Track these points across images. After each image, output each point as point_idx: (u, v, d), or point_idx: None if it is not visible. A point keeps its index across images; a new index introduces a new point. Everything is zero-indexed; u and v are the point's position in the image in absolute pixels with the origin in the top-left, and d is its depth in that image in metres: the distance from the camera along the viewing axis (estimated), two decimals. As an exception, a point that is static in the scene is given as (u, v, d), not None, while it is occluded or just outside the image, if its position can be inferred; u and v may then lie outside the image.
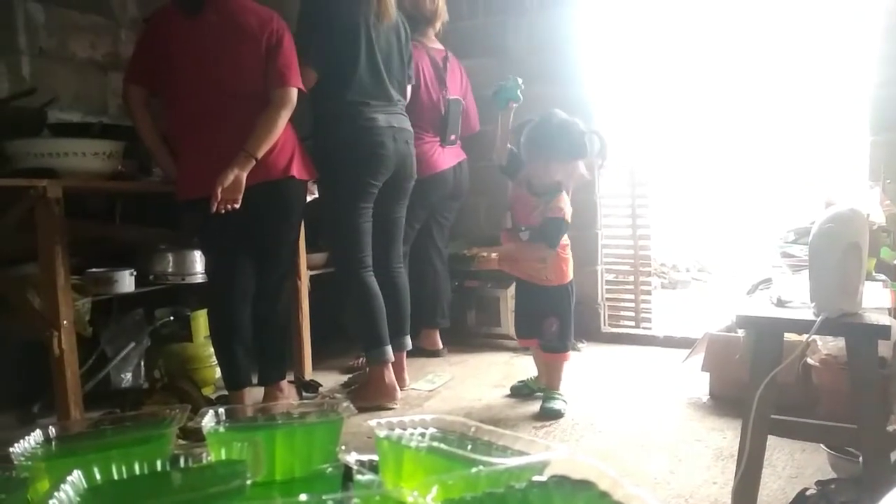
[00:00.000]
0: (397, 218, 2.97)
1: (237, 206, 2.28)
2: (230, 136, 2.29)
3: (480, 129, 3.71)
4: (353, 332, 2.83)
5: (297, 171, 2.44)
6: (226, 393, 2.64)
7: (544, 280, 2.62)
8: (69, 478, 0.63)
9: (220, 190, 2.22)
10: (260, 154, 2.30)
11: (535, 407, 2.68)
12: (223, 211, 2.26)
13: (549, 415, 2.56)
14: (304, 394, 2.86)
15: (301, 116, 2.53)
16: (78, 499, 0.63)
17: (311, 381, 2.98)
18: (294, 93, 2.39)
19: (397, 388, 2.79)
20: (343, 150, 2.68)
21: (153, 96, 2.40)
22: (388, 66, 2.77)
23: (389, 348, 2.77)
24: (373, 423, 0.77)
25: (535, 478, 0.61)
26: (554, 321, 2.60)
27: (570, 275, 2.66)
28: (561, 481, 0.60)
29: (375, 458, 0.77)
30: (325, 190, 2.76)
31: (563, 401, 2.62)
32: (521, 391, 2.82)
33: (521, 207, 2.62)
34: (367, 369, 2.83)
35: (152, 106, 2.40)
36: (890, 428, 1.61)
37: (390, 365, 2.78)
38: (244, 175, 2.27)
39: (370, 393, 2.74)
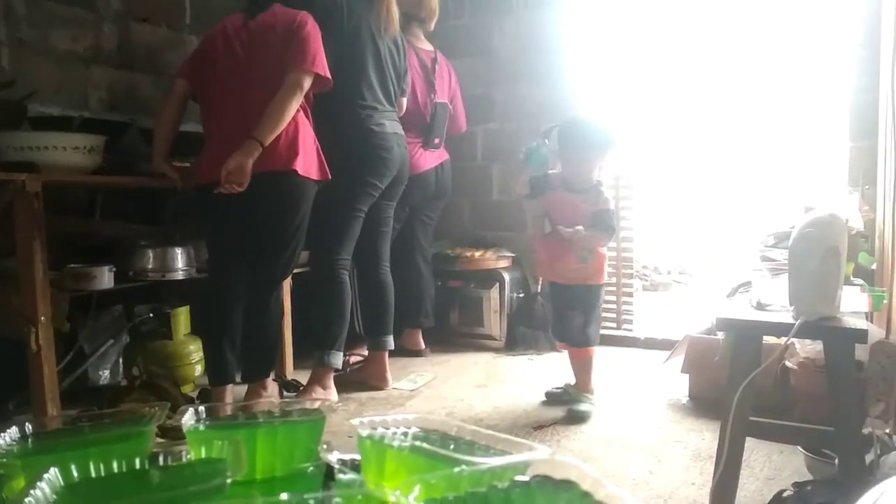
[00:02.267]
0: (386, 218, 3.00)
1: (241, 189, 2.26)
2: (242, 127, 2.30)
3: (466, 129, 3.71)
4: (317, 327, 2.80)
5: (301, 166, 2.38)
6: (206, 388, 2.63)
7: (584, 279, 2.59)
8: (46, 475, 0.62)
9: (224, 173, 2.23)
10: (266, 140, 2.27)
11: (517, 408, 2.68)
12: (224, 192, 2.26)
13: (575, 417, 2.52)
14: (285, 393, 2.84)
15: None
16: (55, 497, 0.62)
17: (293, 380, 2.96)
18: (304, 77, 2.34)
19: (335, 395, 2.78)
20: (352, 151, 2.73)
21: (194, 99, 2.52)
22: (390, 75, 2.85)
23: (340, 355, 2.77)
24: (355, 422, 0.77)
25: (518, 477, 0.61)
26: (578, 315, 2.60)
27: (605, 275, 2.69)
28: (543, 481, 0.60)
29: (357, 457, 0.77)
30: (323, 188, 2.76)
31: (591, 403, 2.59)
32: (560, 398, 2.72)
33: (563, 209, 2.58)
34: (313, 369, 2.77)
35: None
36: (865, 430, 1.63)
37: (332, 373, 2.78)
38: (249, 160, 2.24)
39: (308, 390, 2.73)
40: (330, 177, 2.54)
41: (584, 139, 2.55)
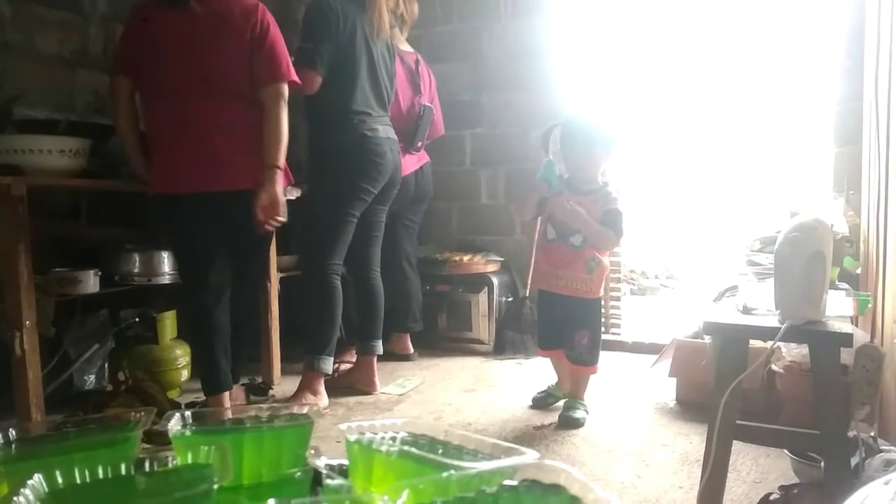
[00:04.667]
0: (378, 223, 2.99)
1: (282, 220, 2.32)
2: (213, 133, 2.26)
3: (448, 133, 3.70)
4: (307, 331, 2.78)
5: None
6: (195, 399, 2.61)
7: (588, 292, 2.52)
8: (30, 481, 0.62)
9: (260, 210, 2.27)
10: (281, 162, 2.30)
11: (505, 412, 2.68)
12: (270, 230, 2.33)
13: (569, 423, 2.50)
14: (252, 397, 2.80)
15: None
16: (39, 503, 0.61)
17: (261, 383, 2.92)
18: (285, 87, 2.33)
19: (325, 400, 2.76)
20: (345, 157, 2.71)
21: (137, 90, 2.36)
22: (383, 80, 2.84)
23: (331, 360, 2.76)
24: (343, 427, 0.77)
25: (506, 482, 0.61)
26: (585, 334, 2.54)
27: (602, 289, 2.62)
28: (531, 486, 0.60)
29: (345, 462, 0.77)
30: (315, 193, 2.75)
31: (585, 410, 2.57)
32: (546, 402, 2.72)
33: (568, 212, 2.48)
34: (303, 374, 2.76)
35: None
36: (851, 434, 1.64)
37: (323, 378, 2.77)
38: (277, 189, 2.28)
39: (298, 396, 2.73)
40: (292, 178, 2.56)
41: (590, 135, 2.49)
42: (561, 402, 2.66)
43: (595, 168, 2.51)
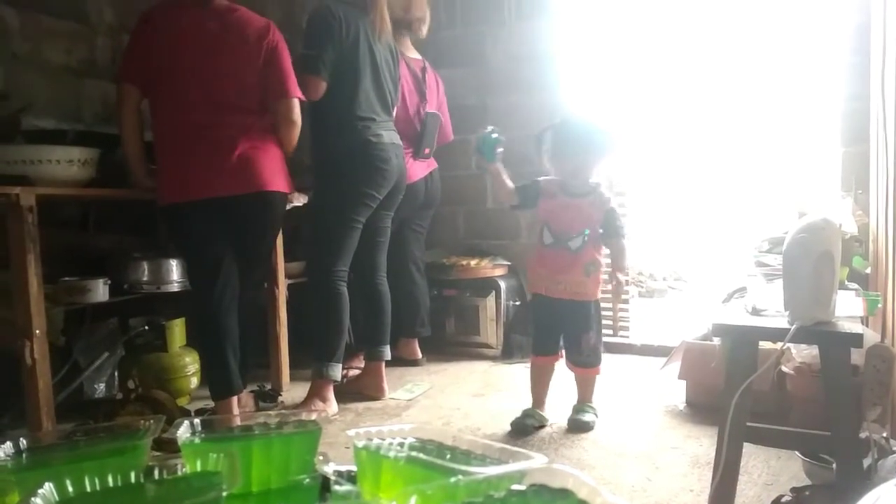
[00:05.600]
0: (383, 228, 2.99)
1: None
2: (221, 145, 2.30)
3: (454, 138, 3.70)
4: (312, 337, 2.78)
5: (283, 184, 2.48)
6: (204, 406, 2.61)
7: (585, 295, 2.51)
8: (40, 490, 0.62)
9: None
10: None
11: (514, 416, 2.67)
12: None
13: (579, 427, 2.48)
14: (261, 404, 2.81)
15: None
16: (49, 512, 0.62)
17: (270, 389, 2.93)
18: (296, 102, 2.46)
19: (335, 407, 2.75)
20: (349, 162, 2.72)
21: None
22: (388, 84, 2.84)
23: (339, 367, 2.76)
24: (351, 433, 0.77)
25: (514, 487, 0.61)
26: (591, 336, 2.53)
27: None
28: (539, 490, 0.60)
29: (353, 468, 0.77)
30: (320, 199, 2.75)
31: (595, 414, 2.55)
32: (526, 424, 2.51)
33: (565, 215, 2.47)
34: (312, 382, 2.74)
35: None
36: (862, 435, 1.63)
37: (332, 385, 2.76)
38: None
39: (307, 403, 2.73)
40: (315, 183, 2.66)
41: (585, 139, 2.46)
42: (545, 420, 2.58)
43: (590, 171, 2.51)
